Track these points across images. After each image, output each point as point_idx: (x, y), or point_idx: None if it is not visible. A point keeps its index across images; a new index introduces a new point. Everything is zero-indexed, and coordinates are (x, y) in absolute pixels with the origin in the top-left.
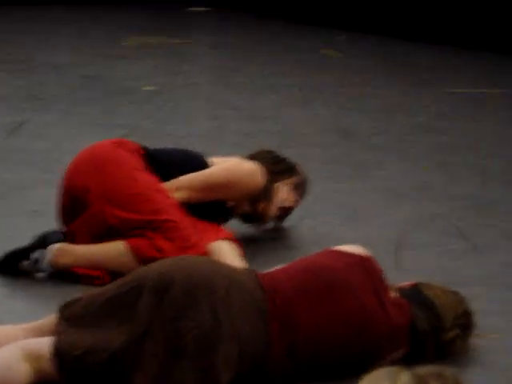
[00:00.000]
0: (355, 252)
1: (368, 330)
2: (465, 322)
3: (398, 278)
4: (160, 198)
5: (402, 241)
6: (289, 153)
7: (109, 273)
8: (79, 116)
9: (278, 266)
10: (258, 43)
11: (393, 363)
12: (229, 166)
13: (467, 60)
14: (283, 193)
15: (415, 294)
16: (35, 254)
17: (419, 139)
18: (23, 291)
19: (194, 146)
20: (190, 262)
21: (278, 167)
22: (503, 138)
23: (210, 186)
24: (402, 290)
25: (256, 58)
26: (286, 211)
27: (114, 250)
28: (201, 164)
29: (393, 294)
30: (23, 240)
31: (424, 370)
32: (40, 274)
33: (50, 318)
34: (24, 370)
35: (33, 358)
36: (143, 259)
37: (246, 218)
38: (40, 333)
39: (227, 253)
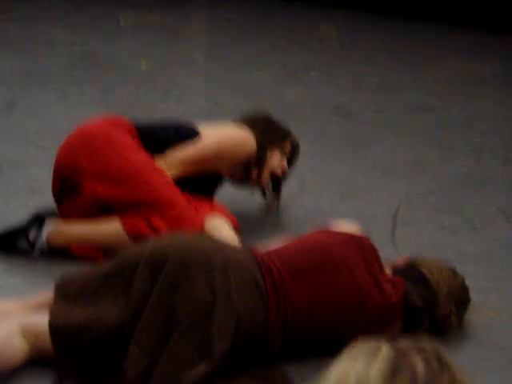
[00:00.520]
0: (350, 230)
1: (362, 306)
2: (460, 297)
3: (393, 254)
4: (154, 176)
5: (397, 217)
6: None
7: (103, 251)
8: (75, 93)
9: (274, 243)
10: (255, 20)
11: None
12: (219, 138)
13: (465, 38)
14: (275, 159)
15: (409, 270)
16: (30, 234)
17: (416, 116)
18: (20, 267)
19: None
20: (187, 239)
21: (269, 134)
22: (500, 116)
23: (203, 160)
24: (396, 267)
25: (253, 35)
26: (277, 177)
27: (108, 228)
28: (192, 135)
29: (388, 272)
30: (18, 218)
31: (404, 343)
32: (36, 252)
33: (47, 294)
34: (20, 345)
35: (30, 333)
36: (138, 238)
37: (239, 183)
38: (38, 308)
39: (222, 229)
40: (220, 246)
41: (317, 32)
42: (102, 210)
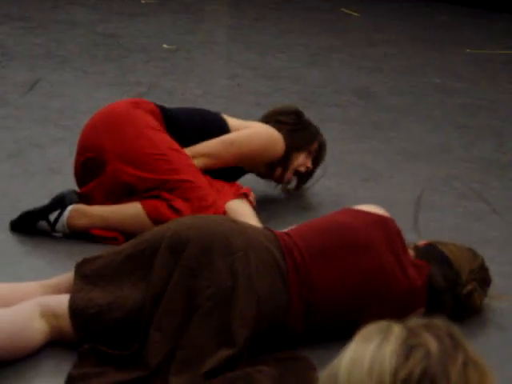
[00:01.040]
0: (374, 211)
1: (386, 289)
2: (481, 275)
3: (416, 238)
4: (177, 157)
5: (420, 201)
6: (306, 113)
7: (124, 234)
8: (96, 74)
9: (296, 226)
10: (277, 2)
11: None
12: (249, 135)
13: (487, 21)
14: (300, 160)
15: (431, 251)
16: (52, 215)
17: (438, 100)
18: (41, 249)
19: (211, 104)
20: (208, 221)
21: (297, 137)
22: None
23: (230, 155)
24: (417, 249)
25: (275, 16)
26: (301, 175)
27: (130, 211)
28: (219, 127)
29: (411, 254)
30: (39, 197)
31: (416, 321)
32: (56, 234)
33: (67, 276)
34: (40, 327)
35: (50, 315)
36: (159, 220)
37: (261, 177)
38: (57, 290)
39: (243, 211)
40: (241, 228)
41: (339, 13)
42: (124, 191)
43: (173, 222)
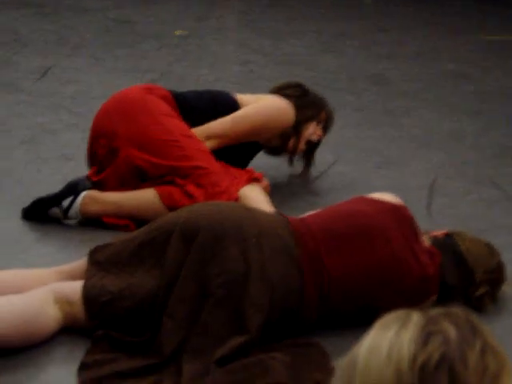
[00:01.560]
0: (387, 199)
1: (399, 275)
2: (495, 277)
3: (430, 226)
4: (190, 143)
5: (433, 188)
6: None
7: (136, 222)
8: (108, 60)
9: (309, 212)
10: None
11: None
12: (259, 109)
13: (501, 7)
14: (311, 128)
15: (448, 246)
16: (65, 202)
17: (452, 86)
18: (53, 236)
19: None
20: (220, 208)
21: (305, 107)
22: None
23: (243, 131)
24: (435, 239)
25: (287, 2)
26: (313, 145)
27: (143, 197)
28: (230, 105)
29: (425, 242)
30: (52, 184)
31: (435, 310)
32: (69, 221)
33: (81, 262)
34: (54, 313)
35: (64, 301)
36: (174, 206)
37: (275, 152)
38: (71, 276)
39: (256, 196)
40: (253, 215)
41: (352, 0)
42: (137, 177)
43: (185, 208)
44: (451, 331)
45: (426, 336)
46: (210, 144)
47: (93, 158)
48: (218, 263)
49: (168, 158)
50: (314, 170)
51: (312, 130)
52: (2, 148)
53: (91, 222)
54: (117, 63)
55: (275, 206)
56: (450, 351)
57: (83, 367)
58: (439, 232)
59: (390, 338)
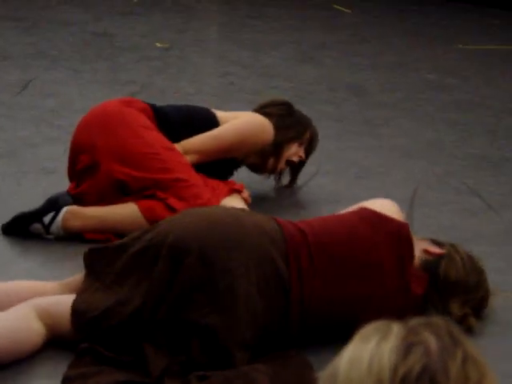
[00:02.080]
0: (391, 216)
1: (386, 304)
2: (479, 305)
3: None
4: (170, 156)
5: (414, 199)
6: (300, 110)
7: (118, 236)
8: (88, 73)
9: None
10: None
11: None
12: (237, 125)
13: (479, 16)
14: (292, 148)
15: (435, 270)
16: (46, 218)
17: (431, 96)
18: (35, 250)
19: (204, 103)
20: (211, 222)
21: (288, 122)
22: None
23: (221, 148)
24: (426, 261)
25: (267, 13)
26: (294, 164)
27: (125, 211)
28: (209, 121)
29: (416, 261)
30: (33, 197)
31: (415, 320)
32: (49, 236)
33: (79, 276)
34: (37, 328)
35: (46, 316)
36: (156, 220)
37: (254, 169)
38: (73, 289)
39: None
40: (245, 231)
41: (331, 10)
42: (118, 191)
43: (174, 220)
44: (432, 342)
45: (406, 347)
46: (188, 158)
47: (73, 173)
48: (205, 291)
49: (149, 170)
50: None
51: (293, 151)
52: None
53: (72, 237)
54: (96, 76)
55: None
56: (431, 362)
57: (66, 381)
58: (436, 250)
59: (370, 349)
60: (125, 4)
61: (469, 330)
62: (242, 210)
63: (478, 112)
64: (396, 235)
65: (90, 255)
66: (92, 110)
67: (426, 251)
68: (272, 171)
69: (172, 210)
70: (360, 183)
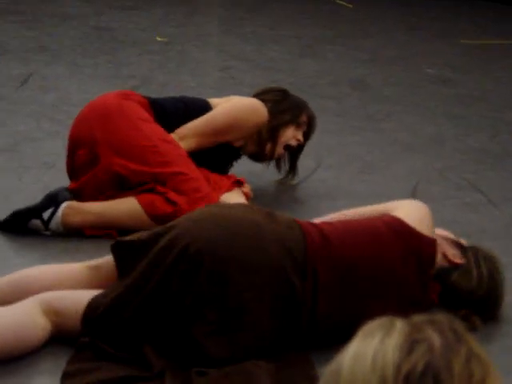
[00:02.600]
0: (422, 232)
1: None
2: (485, 313)
3: None
4: (169, 148)
5: (415, 193)
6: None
7: (118, 232)
8: (89, 68)
9: (331, 215)
10: None
11: None
12: (230, 107)
13: (481, 11)
14: (289, 132)
15: (445, 277)
16: (45, 214)
17: (432, 91)
18: (33, 246)
19: (205, 96)
20: (229, 234)
21: (283, 107)
22: None
23: (216, 130)
24: (441, 267)
25: (267, 7)
26: (295, 150)
27: (125, 206)
28: (203, 109)
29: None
30: (33, 192)
31: (418, 317)
32: (46, 233)
33: (111, 260)
34: (42, 324)
35: (51, 312)
36: (156, 214)
37: (254, 158)
38: (99, 272)
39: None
40: (263, 245)
41: (332, 4)
42: (117, 184)
43: (195, 225)
44: (435, 339)
45: (410, 344)
46: (184, 145)
47: (73, 168)
48: (215, 310)
49: (148, 164)
50: (296, 177)
51: (290, 135)
52: None
53: (70, 234)
54: (97, 70)
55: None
56: (434, 359)
57: (66, 376)
58: (456, 259)
59: (374, 345)
60: None
61: (473, 329)
62: (265, 214)
63: (479, 106)
64: (421, 253)
65: (118, 249)
66: (90, 104)
67: (444, 256)
68: (271, 157)
69: (172, 203)
70: (361, 178)
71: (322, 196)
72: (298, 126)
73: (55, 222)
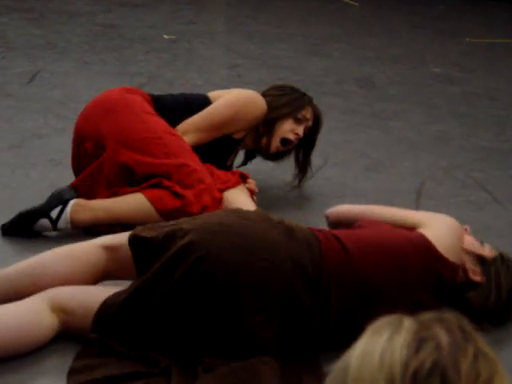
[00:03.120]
0: (449, 256)
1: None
2: (496, 320)
3: None
4: (173, 140)
5: (420, 191)
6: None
7: (122, 228)
8: (96, 65)
9: (365, 226)
10: None
11: None
12: (229, 100)
13: (486, 10)
14: (286, 125)
15: (460, 293)
16: (53, 213)
17: (438, 89)
18: (33, 249)
19: None
20: (245, 255)
21: (282, 101)
22: None
23: (216, 123)
24: (459, 282)
25: (274, 6)
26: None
27: (133, 202)
28: (203, 103)
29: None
30: (40, 188)
31: (427, 315)
32: (51, 233)
33: (123, 241)
34: (50, 321)
35: (59, 310)
36: (165, 209)
37: (253, 152)
38: (116, 255)
39: (240, 201)
40: (279, 262)
41: (338, 3)
42: (123, 177)
43: (207, 239)
44: (443, 337)
45: (418, 342)
46: (186, 139)
47: (78, 163)
48: (224, 334)
49: (153, 155)
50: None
51: (287, 128)
52: None
53: (73, 235)
54: (105, 67)
55: (263, 210)
56: (442, 358)
57: (73, 372)
58: (476, 277)
59: (382, 343)
60: None
61: (481, 329)
62: (284, 230)
63: (484, 105)
64: (441, 278)
65: (135, 244)
66: (93, 100)
67: (464, 271)
68: (267, 149)
69: (180, 197)
70: (367, 175)
71: (328, 193)
72: (296, 120)
73: (64, 221)
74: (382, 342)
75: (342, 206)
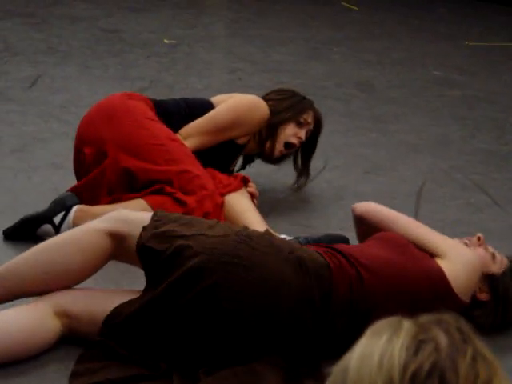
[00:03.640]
0: (462, 296)
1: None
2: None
3: None
4: (175, 147)
5: (420, 194)
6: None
7: None
8: (98, 69)
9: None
10: None
11: None
12: (231, 104)
13: (486, 13)
14: (288, 129)
15: (465, 311)
16: (56, 218)
17: (438, 92)
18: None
19: None
20: (256, 284)
21: (284, 105)
22: None
23: (219, 128)
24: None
25: (274, 10)
26: (292, 147)
27: (134, 207)
28: (206, 107)
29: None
30: (42, 192)
31: (425, 317)
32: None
33: (130, 229)
34: (53, 326)
35: (63, 314)
36: None
37: (256, 156)
38: (124, 245)
39: (242, 205)
40: (288, 296)
41: (339, 7)
42: (125, 184)
43: (219, 264)
44: (442, 339)
45: (417, 344)
46: (188, 144)
47: (80, 168)
48: (227, 355)
49: (155, 162)
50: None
51: (290, 132)
52: None
53: None
54: (106, 72)
55: (263, 213)
56: (440, 360)
57: (75, 375)
58: (482, 296)
59: (381, 345)
60: (134, 0)
61: (480, 329)
62: (297, 263)
63: (484, 108)
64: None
65: (144, 254)
66: (95, 105)
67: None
68: (271, 155)
69: (182, 203)
70: (367, 178)
71: (328, 196)
72: (299, 124)
73: (66, 226)
74: (381, 343)
75: (369, 204)
